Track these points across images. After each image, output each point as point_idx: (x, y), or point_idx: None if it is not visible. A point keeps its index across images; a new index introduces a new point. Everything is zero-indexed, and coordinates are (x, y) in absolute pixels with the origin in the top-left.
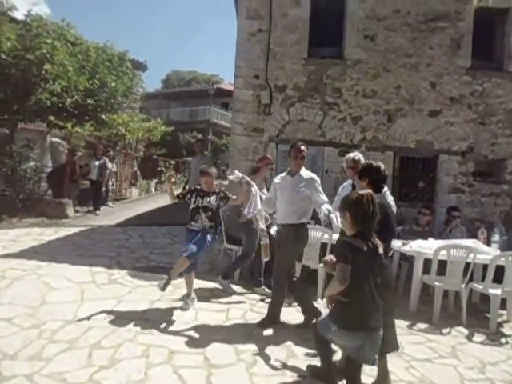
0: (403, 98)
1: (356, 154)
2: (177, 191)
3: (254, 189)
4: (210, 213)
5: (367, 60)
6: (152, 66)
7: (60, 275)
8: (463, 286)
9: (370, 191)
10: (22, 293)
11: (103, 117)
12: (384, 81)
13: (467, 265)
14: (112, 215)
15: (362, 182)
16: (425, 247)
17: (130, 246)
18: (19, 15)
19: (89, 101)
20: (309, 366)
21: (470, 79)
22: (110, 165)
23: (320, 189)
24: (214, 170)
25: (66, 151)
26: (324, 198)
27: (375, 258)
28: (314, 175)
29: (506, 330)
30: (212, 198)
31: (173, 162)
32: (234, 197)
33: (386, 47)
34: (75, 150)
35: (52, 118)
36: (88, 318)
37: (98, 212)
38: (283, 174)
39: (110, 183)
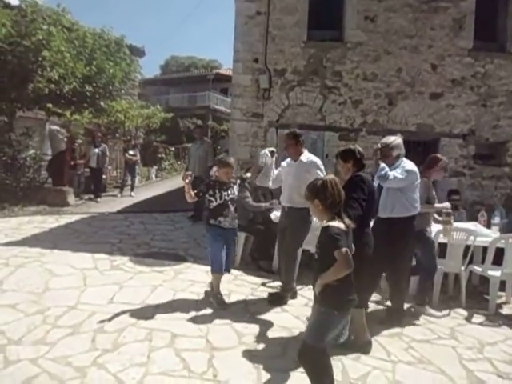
0: (404, 81)
1: (396, 139)
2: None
3: (271, 160)
4: (236, 204)
5: (367, 42)
6: (150, 52)
7: (62, 262)
8: (463, 268)
9: (333, 176)
10: (26, 280)
11: (102, 104)
12: (385, 63)
13: (467, 247)
14: (113, 202)
15: (347, 164)
16: None
17: (132, 233)
18: (14, 1)
19: (87, 87)
20: None
21: (472, 61)
22: (131, 152)
23: (321, 173)
24: (233, 160)
25: (65, 139)
26: None
27: (350, 237)
28: (315, 159)
29: (504, 311)
30: (235, 188)
31: (173, 149)
32: (249, 174)
33: (386, 29)
34: (75, 138)
35: (50, 105)
36: (91, 304)
37: (98, 199)
38: (289, 159)
39: (137, 172)
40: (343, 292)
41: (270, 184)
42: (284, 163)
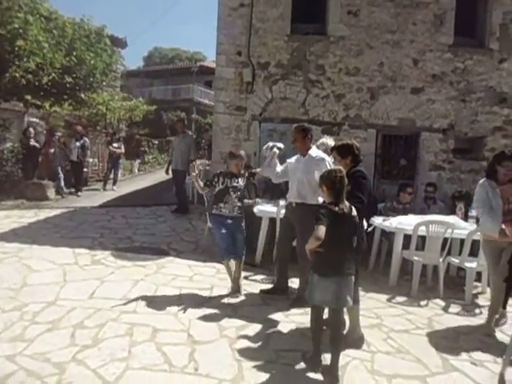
0: (386, 75)
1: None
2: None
3: (272, 152)
4: (239, 193)
5: (350, 36)
6: (132, 43)
7: (41, 257)
8: (441, 260)
9: (339, 167)
10: (3, 276)
11: (82, 96)
12: (367, 58)
13: (445, 240)
14: (94, 196)
15: (346, 160)
16: (404, 223)
17: (113, 227)
18: None
19: (67, 79)
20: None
21: (452, 56)
22: (115, 144)
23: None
24: (243, 153)
25: (44, 131)
26: None
27: (347, 218)
28: (324, 156)
29: (480, 301)
30: (240, 179)
31: (156, 142)
32: (259, 169)
33: (369, 23)
34: (54, 130)
35: (29, 96)
36: (71, 299)
37: (79, 193)
38: (297, 155)
39: (121, 166)
40: (326, 259)
41: (273, 178)
42: (292, 159)
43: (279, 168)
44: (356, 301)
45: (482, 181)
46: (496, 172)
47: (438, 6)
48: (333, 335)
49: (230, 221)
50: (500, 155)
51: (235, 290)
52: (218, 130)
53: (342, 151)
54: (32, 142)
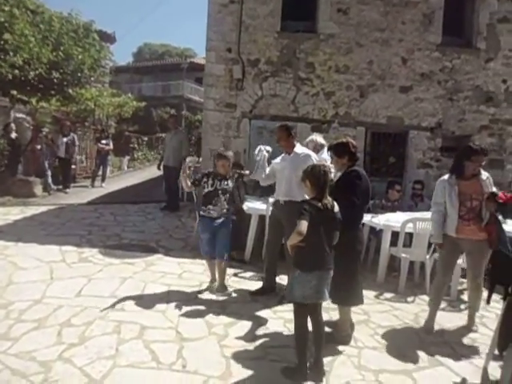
0: (375, 74)
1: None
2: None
3: (263, 155)
4: (228, 195)
5: (340, 34)
6: (122, 39)
7: (28, 255)
8: (428, 256)
9: (323, 163)
10: None
11: (70, 91)
12: (356, 56)
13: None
14: (82, 193)
15: (342, 160)
16: (392, 220)
17: (101, 224)
18: None
19: (54, 74)
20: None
21: (440, 55)
22: (104, 141)
23: None
24: (231, 153)
25: (31, 127)
26: None
27: (328, 214)
28: (309, 152)
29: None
30: (229, 181)
31: (146, 139)
32: (247, 172)
33: (358, 21)
34: (41, 126)
35: (15, 92)
36: (57, 297)
37: (67, 190)
38: (283, 154)
39: (109, 163)
40: (306, 254)
41: (261, 181)
42: (277, 160)
43: (266, 171)
44: (361, 300)
45: (442, 177)
46: (464, 167)
47: (426, 6)
48: (315, 332)
49: (217, 222)
50: (468, 150)
51: (221, 288)
52: (207, 127)
53: (337, 151)
54: (11, 135)
